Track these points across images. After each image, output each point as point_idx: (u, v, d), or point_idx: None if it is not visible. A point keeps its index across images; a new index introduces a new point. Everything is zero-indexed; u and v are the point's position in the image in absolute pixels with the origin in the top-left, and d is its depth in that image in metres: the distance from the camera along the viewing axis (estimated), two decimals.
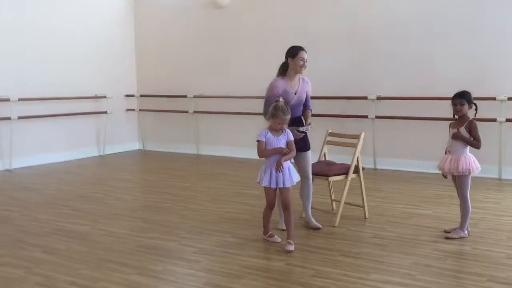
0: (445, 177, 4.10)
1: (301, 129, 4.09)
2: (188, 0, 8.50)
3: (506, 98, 6.06)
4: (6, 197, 5.57)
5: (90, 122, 8.43)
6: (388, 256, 3.59)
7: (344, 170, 4.42)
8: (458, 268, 3.43)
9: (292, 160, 3.96)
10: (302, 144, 4.12)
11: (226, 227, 4.35)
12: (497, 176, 6.15)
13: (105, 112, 8.51)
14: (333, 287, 3.09)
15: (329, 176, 4.34)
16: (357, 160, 4.43)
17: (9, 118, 7.14)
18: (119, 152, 8.75)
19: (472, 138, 3.88)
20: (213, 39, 8.29)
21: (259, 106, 7.70)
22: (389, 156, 6.91)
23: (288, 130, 3.80)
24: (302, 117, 4.25)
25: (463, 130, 3.89)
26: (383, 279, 3.20)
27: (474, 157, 3.93)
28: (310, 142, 4.30)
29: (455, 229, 4.02)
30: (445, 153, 4.06)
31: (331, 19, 7.26)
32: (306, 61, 4.12)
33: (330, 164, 4.55)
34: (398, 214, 4.69)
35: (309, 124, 4.18)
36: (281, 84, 4.09)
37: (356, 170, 4.45)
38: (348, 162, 4.46)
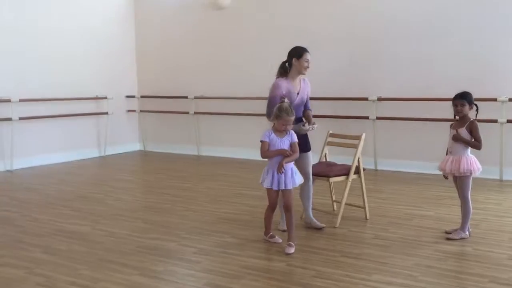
0: (446, 178, 4.09)
1: (306, 127, 4.09)
2: (188, 1, 8.51)
3: (507, 99, 6.05)
4: (7, 198, 5.57)
5: (90, 123, 8.43)
6: (390, 257, 3.58)
7: (345, 171, 4.41)
8: (460, 269, 3.43)
9: None
10: (303, 145, 4.12)
11: (226, 227, 4.35)
12: (498, 177, 6.14)
13: (106, 113, 8.51)
14: None
15: (330, 177, 4.34)
16: (358, 161, 4.42)
17: (10, 119, 7.14)
18: (119, 153, 8.75)
19: (473, 139, 3.87)
20: (214, 40, 8.29)
21: (259, 107, 7.75)
22: (390, 157, 6.91)
23: (292, 132, 3.76)
24: (303, 118, 4.24)
25: (464, 131, 3.88)
26: (385, 280, 3.19)
27: (475, 158, 3.93)
28: (311, 143, 4.30)
29: (456, 230, 4.01)
30: (446, 154, 4.05)
31: (332, 19, 7.26)
32: (310, 62, 4.13)
33: (331, 165, 4.55)
34: (399, 215, 4.68)
35: (314, 124, 4.17)
36: (285, 84, 4.09)
37: (357, 171, 4.45)
38: (349, 163, 4.46)
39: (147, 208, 5.09)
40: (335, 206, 4.83)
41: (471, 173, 3.89)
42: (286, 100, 3.77)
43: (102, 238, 4.12)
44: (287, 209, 3.76)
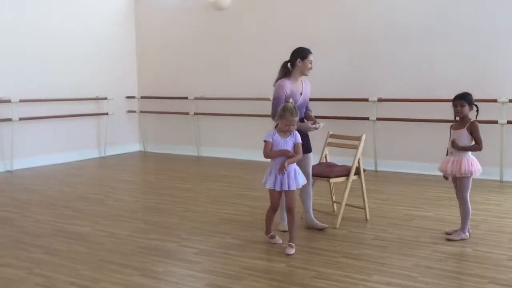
0: (446, 179, 4.10)
1: (316, 125, 4.11)
2: (188, 1, 8.52)
3: (507, 100, 6.05)
4: (7, 198, 5.57)
5: (91, 124, 8.44)
6: (389, 258, 3.58)
7: (345, 171, 4.42)
8: (459, 270, 3.43)
9: None
10: (305, 146, 4.12)
11: (227, 228, 4.35)
12: (498, 178, 6.14)
13: (106, 114, 8.51)
14: None
15: (330, 177, 4.34)
16: (358, 162, 4.42)
17: (10, 120, 7.15)
18: (119, 154, 8.76)
19: (473, 140, 3.88)
20: (214, 41, 8.30)
21: (259, 108, 7.79)
22: (390, 158, 6.91)
23: (296, 132, 3.74)
24: (304, 119, 4.25)
25: (464, 132, 3.89)
26: (385, 280, 3.20)
27: (475, 159, 3.93)
28: (311, 144, 4.31)
29: (456, 230, 4.01)
30: (446, 155, 4.06)
31: (332, 20, 7.27)
32: (312, 64, 4.17)
33: (331, 165, 4.55)
34: (399, 216, 4.69)
35: (319, 122, 4.18)
36: (289, 84, 4.10)
37: (357, 172, 4.45)
38: (349, 164, 4.46)
39: (147, 208, 5.10)
40: (335, 207, 4.83)
41: (471, 174, 3.89)
42: (290, 100, 3.77)
43: (102, 238, 4.12)
44: (290, 210, 3.75)
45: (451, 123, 4.08)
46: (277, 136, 3.70)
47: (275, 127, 3.77)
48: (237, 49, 8.10)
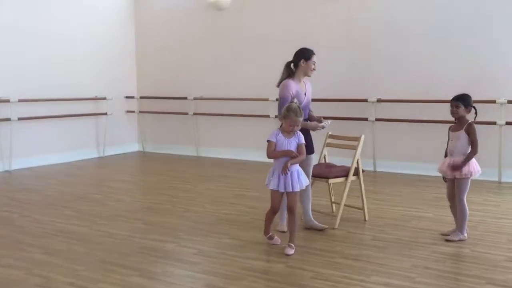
0: (445, 180, 4.11)
1: (322, 124, 4.13)
2: (188, 2, 8.52)
3: (506, 101, 6.07)
4: (6, 198, 5.57)
5: (90, 124, 8.43)
6: (388, 259, 3.59)
7: (344, 172, 4.43)
8: (457, 270, 3.44)
9: None
10: (308, 147, 4.13)
11: (226, 229, 4.35)
12: (496, 179, 6.15)
13: (105, 114, 8.51)
14: None
15: (329, 178, 4.35)
16: (357, 163, 4.43)
17: (9, 119, 7.14)
18: (119, 154, 8.76)
19: (471, 141, 3.88)
20: (213, 41, 8.31)
21: (259, 108, 7.80)
22: (389, 159, 6.92)
23: (299, 133, 3.72)
24: (308, 119, 4.27)
25: (462, 133, 3.90)
26: (383, 281, 3.21)
27: (475, 160, 3.94)
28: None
29: (454, 231, 4.02)
30: (445, 156, 4.07)
31: (331, 21, 7.27)
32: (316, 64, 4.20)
33: (330, 166, 4.56)
34: (398, 216, 4.70)
35: (327, 121, 4.20)
36: (294, 84, 4.12)
37: (356, 173, 4.46)
38: (348, 165, 4.47)
39: (146, 209, 5.10)
40: (334, 208, 4.84)
41: (471, 175, 3.90)
42: (295, 100, 3.78)
43: (101, 239, 4.12)
44: (291, 211, 3.74)
45: (450, 125, 4.09)
46: (280, 136, 3.68)
47: (280, 127, 3.77)
48: (236, 50, 8.10)
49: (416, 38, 6.71)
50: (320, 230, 4.24)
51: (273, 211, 3.80)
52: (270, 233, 3.91)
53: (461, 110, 3.90)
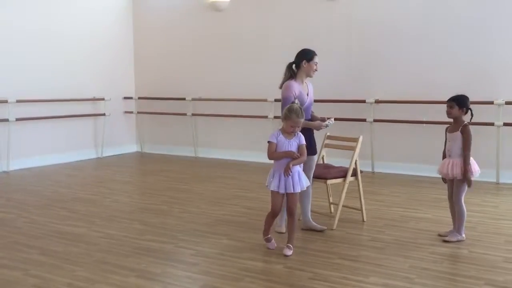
0: (445, 181, 4.11)
1: (326, 123, 4.13)
2: (186, 2, 8.52)
3: (504, 102, 6.08)
4: (4, 199, 5.56)
5: (88, 124, 8.42)
6: (386, 259, 3.59)
7: (342, 173, 4.43)
8: (456, 271, 3.44)
9: None
10: (311, 148, 4.14)
11: (224, 229, 4.35)
12: (494, 180, 6.16)
13: (103, 114, 8.50)
14: None
15: (328, 179, 4.35)
16: (355, 163, 4.43)
17: (7, 120, 7.13)
18: (117, 154, 8.74)
19: (463, 141, 3.88)
20: (212, 41, 8.30)
21: (257, 109, 7.80)
22: (387, 160, 6.92)
23: (300, 134, 3.70)
24: (310, 120, 4.27)
25: (458, 134, 3.90)
26: (381, 282, 3.20)
27: (474, 160, 3.94)
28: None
29: (452, 232, 4.03)
30: (443, 158, 4.07)
31: (329, 22, 7.28)
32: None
33: (328, 167, 4.56)
34: (396, 217, 4.70)
35: (331, 119, 4.20)
36: (296, 85, 4.12)
37: (354, 173, 4.46)
38: (346, 165, 4.47)
39: (144, 209, 5.09)
40: (332, 208, 4.83)
41: (471, 175, 3.90)
42: (296, 101, 3.77)
43: (98, 239, 4.11)
44: (291, 212, 3.71)
45: (447, 126, 4.09)
46: (281, 137, 3.65)
47: (281, 128, 3.75)
48: (235, 50, 8.10)
49: (414, 39, 6.71)
50: (319, 231, 4.24)
51: (273, 213, 3.76)
52: (269, 236, 3.85)
53: (455, 110, 3.91)
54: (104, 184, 6.40)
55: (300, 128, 3.68)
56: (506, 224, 4.46)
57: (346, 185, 4.40)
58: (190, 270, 3.46)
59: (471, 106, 3.97)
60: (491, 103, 6.08)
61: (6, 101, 7.09)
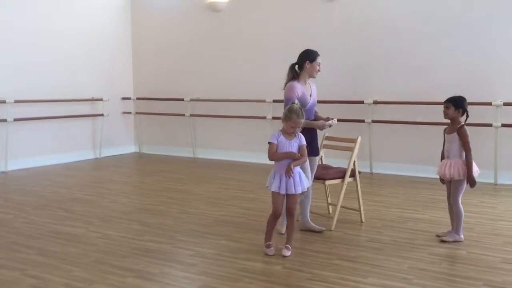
0: (443, 182, 4.11)
1: (329, 122, 4.13)
2: (185, 3, 8.52)
3: (502, 103, 6.09)
4: (1, 199, 5.54)
5: (86, 125, 8.41)
6: (385, 260, 3.59)
7: (340, 174, 4.43)
8: (454, 272, 3.44)
9: None
10: (314, 149, 4.13)
11: (222, 230, 4.34)
12: (492, 181, 6.17)
13: (102, 115, 8.49)
14: None
15: (326, 179, 4.35)
16: (354, 164, 4.43)
17: (5, 120, 7.12)
18: (115, 155, 8.73)
19: (463, 145, 3.88)
20: (210, 42, 8.30)
21: (256, 109, 7.79)
22: (385, 160, 6.93)
23: (301, 135, 3.68)
24: (314, 121, 4.27)
25: (455, 137, 3.91)
26: (380, 283, 3.20)
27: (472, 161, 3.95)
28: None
29: (450, 232, 4.03)
30: (441, 159, 4.07)
31: (328, 23, 7.28)
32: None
33: (326, 168, 4.56)
34: (394, 218, 4.70)
35: (334, 119, 4.20)
36: (299, 86, 4.11)
37: (353, 174, 4.46)
38: (345, 166, 4.47)
39: (142, 210, 5.08)
40: (330, 209, 4.83)
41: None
42: (297, 102, 3.76)
43: (96, 240, 4.11)
44: (291, 213, 3.70)
45: (446, 127, 4.10)
46: (282, 138, 3.62)
47: (282, 128, 3.74)
48: (233, 51, 8.10)
49: (413, 41, 6.72)
50: (317, 232, 4.24)
51: (275, 215, 3.70)
52: (270, 242, 3.74)
53: (451, 111, 3.92)
54: (103, 185, 6.39)
55: (300, 129, 3.66)
56: (504, 225, 4.47)
57: (345, 186, 4.40)
58: (188, 271, 3.46)
59: (468, 107, 3.97)
60: (489, 104, 6.09)
61: (4, 102, 7.08)
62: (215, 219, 4.71)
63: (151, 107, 8.91)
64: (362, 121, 6.96)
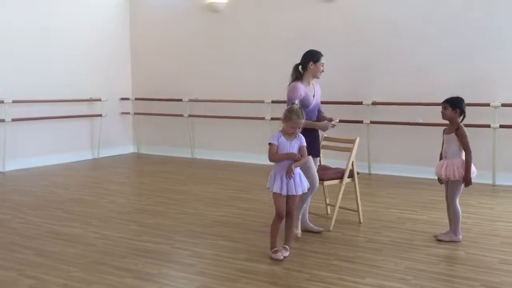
0: (441, 182, 4.12)
1: (332, 123, 4.14)
2: (184, 3, 8.52)
3: (500, 104, 6.10)
4: None
5: (84, 125, 8.40)
6: (383, 261, 3.59)
7: (339, 174, 4.43)
8: (452, 272, 3.44)
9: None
10: (316, 149, 4.13)
11: (221, 230, 4.34)
12: (491, 182, 6.18)
13: (100, 115, 8.48)
14: None
15: (324, 180, 4.34)
16: (352, 165, 4.43)
17: (3, 120, 7.10)
18: (113, 155, 8.72)
19: (462, 146, 3.89)
20: (209, 42, 8.30)
21: (254, 110, 7.79)
22: (383, 161, 6.93)
23: (301, 135, 3.66)
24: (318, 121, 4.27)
25: (454, 137, 3.91)
26: (378, 283, 3.21)
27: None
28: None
29: (448, 233, 4.04)
30: (440, 159, 4.08)
31: (326, 24, 7.28)
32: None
33: (325, 168, 4.56)
34: (393, 218, 4.70)
35: (336, 119, 4.20)
36: (302, 87, 4.11)
37: (351, 175, 4.46)
38: (343, 167, 4.47)
39: (141, 210, 5.08)
40: (329, 210, 4.84)
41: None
42: (297, 102, 3.75)
43: (95, 240, 4.10)
44: (290, 213, 3.69)
45: (444, 127, 4.10)
46: (282, 139, 3.60)
47: (282, 129, 3.72)
48: (232, 52, 8.10)
49: (411, 41, 6.73)
50: (316, 232, 4.24)
51: (278, 216, 3.65)
52: (276, 248, 3.66)
53: (448, 111, 3.94)
54: (101, 185, 6.39)
55: (300, 130, 3.64)
56: (502, 225, 4.47)
57: (343, 187, 4.40)
58: (186, 271, 3.46)
59: (466, 107, 3.98)
60: (488, 105, 6.10)
61: (2, 102, 7.07)
62: (214, 219, 4.70)
63: (149, 107, 8.90)
64: (361, 122, 6.96)
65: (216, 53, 8.24)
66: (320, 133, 4.57)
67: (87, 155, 8.40)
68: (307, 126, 3.99)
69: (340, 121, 6.90)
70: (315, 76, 4.19)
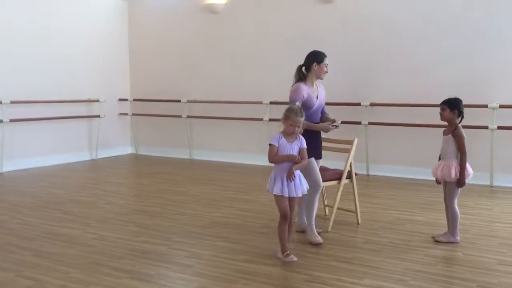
0: (438, 183, 4.13)
1: (334, 124, 4.14)
2: (182, 4, 8.52)
3: (498, 105, 6.11)
4: None
5: (82, 126, 8.39)
6: (381, 262, 3.60)
7: (337, 175, 4.43)
8: (450, 273, 3.45)
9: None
10: (318, 152, 4.13)
11: (219, 231, 4.34)
12: (488, 183, 6.19)
13: (98, 116, 8.47)
14: None
15: (322, 181, 4.34)
16: (350, 166, 4.44)
17: (1, 121, 7.09)
18: (111, 156, 8.71)
19: (457, 147, 3.90)
20: (207, 44, 8.30)
21: (252, 111, 7.79)
22: (382, 162, 6.94)
23: (301, 137, 3.63)
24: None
25: (451, 138, 3.92)
26: (376, 284, 3.21)
27: (467, 163, 3.96)
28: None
29: (446, 234, 4.04)
30: (439, 159, 4.09)
31: (325, 25, 7.29)
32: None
33: (323, 169, 4.55)
34: (391, 220, 4.71)
35: (337, 121, 4.20)
36: (305, 88, 4.10)
37: (349, 176, 4.46)
38: (341, 168, 4.48)
39: (139, 211, 5.07)
40: (327, 211, 4.84)
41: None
42: (297, 103, 3.76)
43: (93, 241, 4.09)
44: (289, 216, 3.67)
45: (444, 128, 4.11)
46: (283, 141, 3.57)
47: (283, 130, 3.72)
48: (230, 53, 8.10)
49: (410, 43, 6.74)
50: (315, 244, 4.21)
51: (284, 218, 3.61)
52: (288, 251, 3.62)
53: (446, 112, 3.95)
54: (99, 186, 6.38)
55: (300, 129, 3.60)
56: (500, 227, 4.48)
57: (341, 188, 4.41)
58: (184, 272, 3.45)
59: (464, 109, 3.98)
60: (485, 106, 6.12)
61: (0, 102, 7.06)
62: (212, 220, 4.70)
63: (147, 108, 8.89)
64: (359, 123, 6.97)
65: (215, 54, 8.24)
66: (322, 134, 4.58)
67: (85, 156, 8.39)
68: (308, 128, 3.99)
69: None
70: (319, 77, 4.17)
